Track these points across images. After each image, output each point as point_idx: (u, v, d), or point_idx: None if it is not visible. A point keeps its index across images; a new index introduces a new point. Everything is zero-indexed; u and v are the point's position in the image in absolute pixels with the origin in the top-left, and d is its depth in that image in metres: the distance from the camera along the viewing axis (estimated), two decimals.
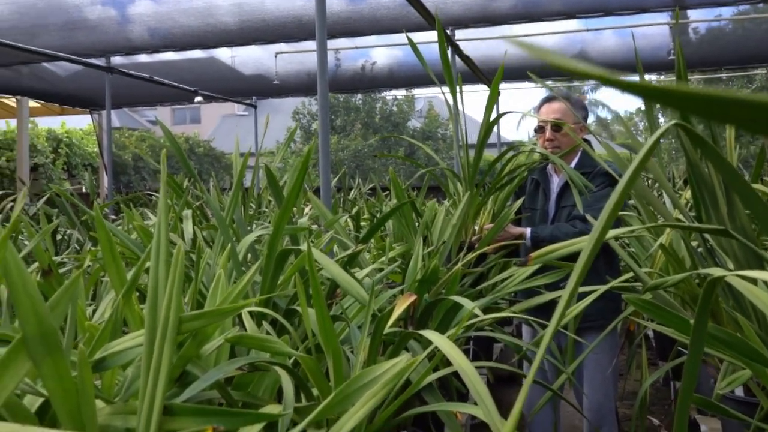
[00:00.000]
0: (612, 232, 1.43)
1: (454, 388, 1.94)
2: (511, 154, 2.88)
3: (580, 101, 2.95)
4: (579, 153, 2.89)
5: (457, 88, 2.74)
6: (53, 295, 1.00)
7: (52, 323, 0.88)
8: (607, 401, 2.77)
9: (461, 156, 2.73)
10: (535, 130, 2.97)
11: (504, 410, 1.10)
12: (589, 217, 2.42)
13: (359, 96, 21.19)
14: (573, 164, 2.86)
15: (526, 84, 10.43)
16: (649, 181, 5.79)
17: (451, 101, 2.72)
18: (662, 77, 9.11)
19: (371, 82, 9.84)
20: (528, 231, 2.75)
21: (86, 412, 0.91)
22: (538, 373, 2.68)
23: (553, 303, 2.37)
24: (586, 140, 2.83)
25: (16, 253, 0.90)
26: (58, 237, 3.72)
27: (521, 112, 2.84)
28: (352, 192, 6.20)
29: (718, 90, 0.20)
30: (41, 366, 0.87)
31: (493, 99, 2.62)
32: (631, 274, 1.88)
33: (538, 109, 3.01)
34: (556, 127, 2.83)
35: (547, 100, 2.96)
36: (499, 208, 2.90)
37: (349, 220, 3.53)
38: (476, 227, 2.81)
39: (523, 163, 2.97)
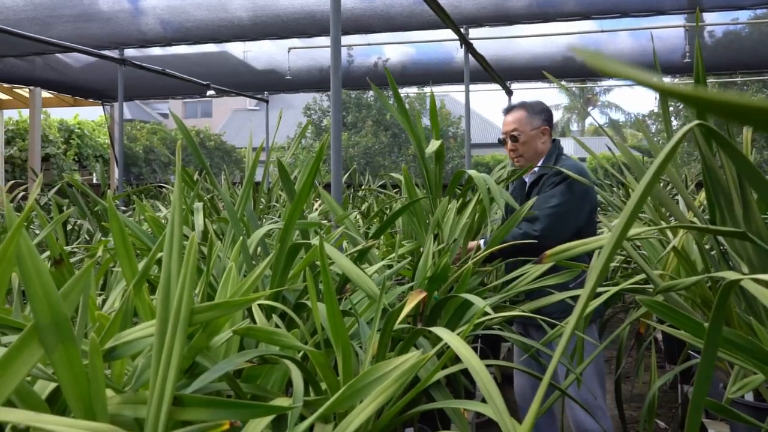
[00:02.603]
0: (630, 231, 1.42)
1: (461, 385, 1.93)
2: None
3: (540, 104, 3.02)
4: (544, 156, 2.97)
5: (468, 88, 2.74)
6: (64, 284, 1.01)
7: (65, 312, 0.88)
8: (592, 399, 2.72)
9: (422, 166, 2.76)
10: (498, 141, 3.05)
11: (508, 407, 1.09)
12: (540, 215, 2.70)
13: (371, 93, 21.14)
14: (537, 166, 2.97)
15: (540, 84, 10.40)
16: (662, 183, 5.76)
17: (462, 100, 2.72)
18: (677, 80, 9.05)
19: (384, 78, 9.83)
20: (482, 242, 2.76)
21: (97, 400, 0.91)
22: (536, 369, 2.67)
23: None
24: (555, 141, 2.97)
25: (30, 241, 0.91)
26: (69, 227, 3.74)
27: (487, 119, 2.89)
28: (362, 188, 6.21)
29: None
30: (53, 354, 0.87)
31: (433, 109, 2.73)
32: (643, 276, 1.87)
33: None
34: (514, 137, 2.94)
35: (506, 111, 3.06)
36: (479, 219, 2.85)
37: (359, 216, 3.53)
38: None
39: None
